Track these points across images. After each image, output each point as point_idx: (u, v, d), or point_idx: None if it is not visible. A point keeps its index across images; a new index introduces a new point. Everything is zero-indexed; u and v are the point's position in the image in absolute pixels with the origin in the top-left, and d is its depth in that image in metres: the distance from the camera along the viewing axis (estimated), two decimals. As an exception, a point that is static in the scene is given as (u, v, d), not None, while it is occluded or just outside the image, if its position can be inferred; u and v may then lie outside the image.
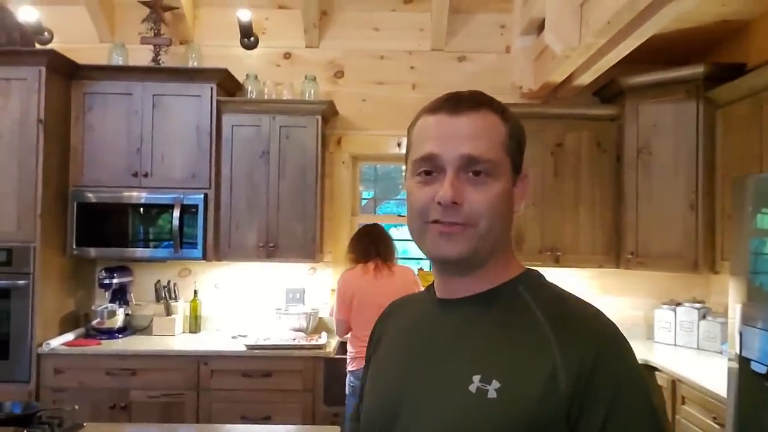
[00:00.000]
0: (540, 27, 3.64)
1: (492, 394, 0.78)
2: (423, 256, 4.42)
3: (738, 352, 2.31)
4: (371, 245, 3.21)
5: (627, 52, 2.96)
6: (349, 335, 3.22)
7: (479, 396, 0.79)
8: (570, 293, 0.89)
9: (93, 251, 3.57)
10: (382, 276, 3.15)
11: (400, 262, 3.44)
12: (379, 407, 0.91)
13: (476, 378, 0.80)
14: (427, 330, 0.91)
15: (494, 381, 0.79)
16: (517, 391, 0.77)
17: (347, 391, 3.13)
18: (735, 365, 2.32)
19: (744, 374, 2.26)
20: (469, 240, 0.84)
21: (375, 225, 3.42)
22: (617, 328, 0.83)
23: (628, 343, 0.83)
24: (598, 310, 0.86)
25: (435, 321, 0.91)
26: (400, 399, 0.87)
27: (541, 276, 0.92)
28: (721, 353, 3.34)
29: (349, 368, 3.13)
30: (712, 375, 2.87)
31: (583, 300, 0.87)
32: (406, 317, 1.00)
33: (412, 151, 0.89)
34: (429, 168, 0.85)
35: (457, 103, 0.86)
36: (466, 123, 0.84)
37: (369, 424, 0.93)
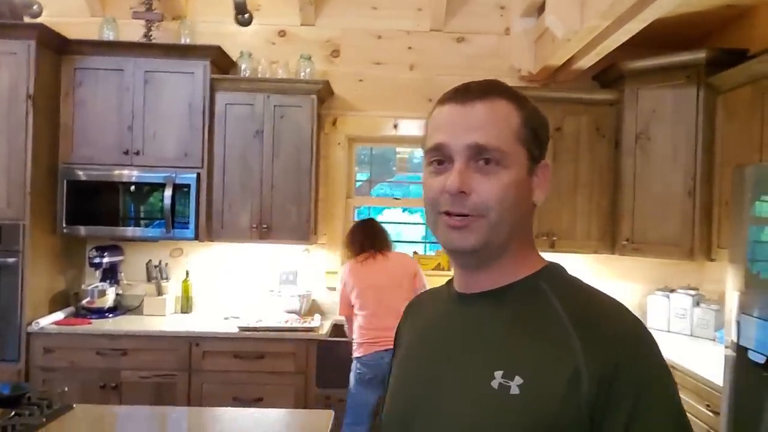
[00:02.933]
0: (540, 9, 3.59)
1: (515, 390, 0.77)
2: (416, 239, 4.38)
3: (735, 340, 2.30)
4: (365, 239, 3.23)
5: (629, 36, 2.92)
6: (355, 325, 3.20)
7: (501, 392, 0.78)
8: (593, 287, 0.86)
9: (83, 230, 3.52)
10: (375, 261, 3.18)
11: (395, 246, 3.42)
12: (400, 403, 0.91)
13: (498, 374, 0.79)
14: (447, 325, 0.91)
15: (517, 377, 0.78)
16: (540, 387, 0.76)
17: (353, 379, 3.10)
18: (732, 353, 2.31)
19: (741, 363, 2.25)
20: (479, 231, 0.83)
21: (369, 220, 3.44)
22: (642, 324, 0.81)
23: (653, 340, 0.80)
24: (623, 305, 0.83)
25: (454, 316, 0.90)
26: (421, 395, 0.87)
27: (563, 270, 0.90)
28: (714, 340, 3.34)
29: (355, 354, 3.11)
30: (705, 362, 2.88)
31: (606, 295, 0.85)
32: (426, 313, 1.00)
33: (426, 142, 0.89)
34: (440, 158, 0.85)
35: (468, 92, 0.86)
36: (476, 111, 0.84)
37: (390, 420, 0.93)
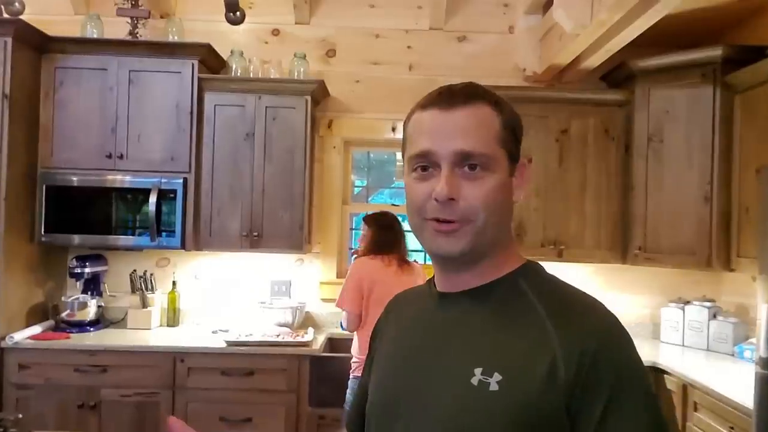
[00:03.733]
0: (545, 5, 3.44)
1: (494, 386, 0.79)
2: (417, 247, 4.17)
3: (764, 356, 2.11)
4: (395, 239, 2.97)
5: (640, 32, 2.77)
6: (355, 335, 2.95)
7: (481, 389, 0.79)
8: (570, 285, 0.89)
9: (63, 238, 3.33)
10: (403, 273, 2.89)
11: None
12: (381, 402, 0.92)
13: (478, 371, 0.80)
14: (428, 324, 0.92)
15: (495, 374, 0.79)
16: (518, 383, 0.78)
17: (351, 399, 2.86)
18: (762, 371, 2.11)
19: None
20: (467, 236, 0.84)
21: (394, 217, 3.09)
22: (616, 318, 0.84)
23: (627, 333, 0.83)
24: (597, 300, 0.86)
25: (435, 314, 0.92)
26: (402, 393, 0.88)
27: (541, 268, 0.92)
28: (733, 355, 3.15)
29: (355, 374, 2.86)
30: (726, 379, 2.70)
31: (582, 291, 0.87)
32: (407, 312, 1.01)
33: (408, 148, 0.89)
34: (425, 164, 0.86)
35: (450, 97, 0.87)
36: (459, 118, 0.85)
37: (372, 418, 0.94)
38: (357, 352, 2.92)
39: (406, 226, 3.04)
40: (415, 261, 3.14)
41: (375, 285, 2.86)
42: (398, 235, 3.01)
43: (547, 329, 0.80)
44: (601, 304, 0.85)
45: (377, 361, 1.00)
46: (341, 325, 3.03)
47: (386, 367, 0.95)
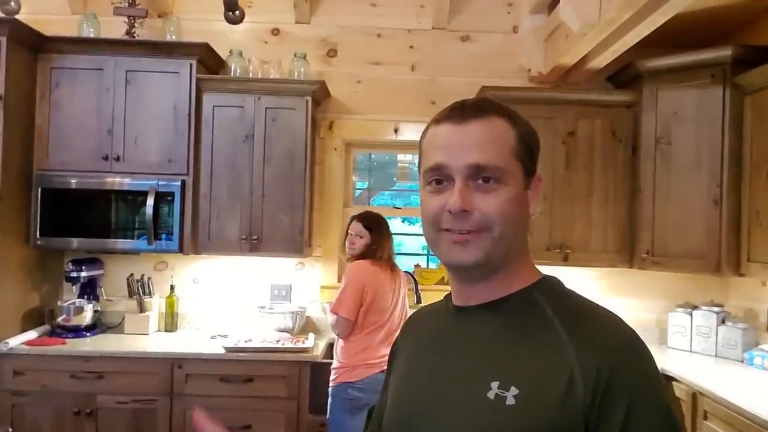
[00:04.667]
0: (551, 4, 3.37)
1: (510, 400, 0.78)
2: (418, 251, 4.11)
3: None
4: (389, 243, 2.93)
5: (648, 32, 2.71)
6: (338, 340, 2.88)
7: (497, 403, 0.79)
8: (589, 300, 0.88)
9: (59, 241, 3.26)
10: (395, 278, 2.89)
11: (397, 258, 3.16)
12: (396, 419, 0.92)
13: (494, 384, 0.80)
14: (444, 338, 0.93)
15: (512, 387, 0.79)
16: (535, 397, 0.77)
17: (339, 407, 2.75)
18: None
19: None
20: (482, 246, 0.85)
21: (379, 215, 3.02)
22: (635, 333, 0.82)
23: (646, 348, 0.82)
24: (616, 315, 0.85)
25: (451, 329, 0.92)
26: (418, 407, 0.88)
27: (559, 283, 0.92)
28: (742, 362, 3.08)
29: (342, 380, 2.76)
30: (736, 387, 2.63)
31: (602, 306, 0.86)
32: (424, 329, 1.01)
33: (423, 162, 0.91)
34: (439, 177, 0.87)
35: (463, 111, 0.88)
36: (473, 131, 0.86)
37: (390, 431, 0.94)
38: (340, 357, 2.81)
39: (398, 225, 2.98)
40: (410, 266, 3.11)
41: (376, 292, 2.79)
42: (391, 239, 2.98)
43: (564, 344, 0.80)
44: (619, 318, 0.84)
45: (394, 381, 1.00)
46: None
47: (402, 385, 0.96)
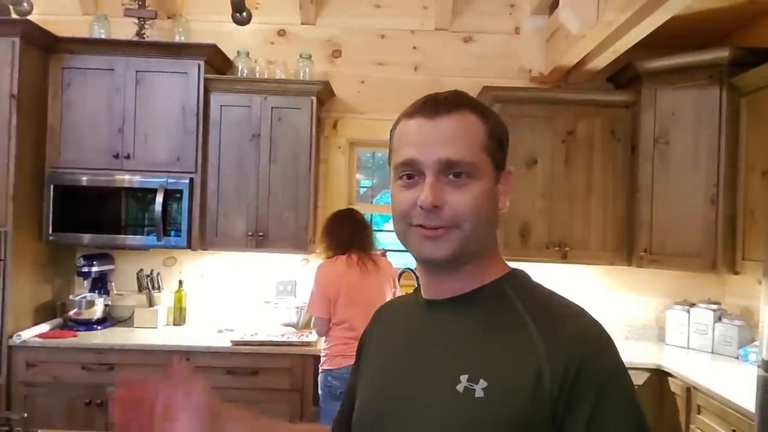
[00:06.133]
0: (552, 6, 3.42)
1: (479, 393, 0.79)
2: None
3: (767, 359, 2.10)
4: (354, 235, 2.95)
5: (647, 33, 2.75)
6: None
7: (467, 395, 0.79)
8: (555, 293, 0.89)
9: (71, 237, 3.36)
10: (368, 270, 2.91)
11: (399, 255, 3.22)
12: (367, 410, 0.93)
13: (464, 378, 0.80)
14: (414, 331, 0.93)
15: (481, 380, 0.79)
16: (504, 390, 0.78)
17: (322, 393, 2.88)
18: (764, 374, 2.11)
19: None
20: (453, 241, 0.85)
21: (353, 211, 3.13)
22: (602, 326, 0.84)
23: (612, 341, 0.83)
24: (582, 308, 0.86)
25: (421, 322, 0.92)
26: (388, 400, 0.88)
27: (527, 276, 0.93)
28: (737, 358, 3.14)
29: (324, 367, 2.88)
30: (730, 383, 2.69)
31: (567, 299, 0.88)
32: (394, 321, 1.01)
33: (394, 156, 0.90)
34: (410, 172, 0.86)
35: (435, 105, 0.87)
36: (444, 126, 0.85)
37: (358, 427, 0.94)
38: (324, 346, 2.93)
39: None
40: (382, 254, 3.15)
41: (341, 288, 2.87)
42: (359, 231, 2.99)
43: (532, 337, 0.81)
44: (585, 311, 0.86)
45: (364, 373, 1.00)
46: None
47: (372, 378, 0.96)
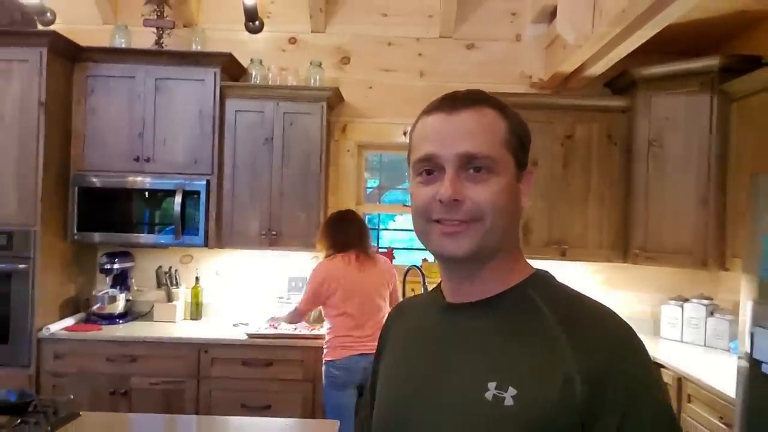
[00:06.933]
0: (552, 15, 3.57)
1: (509, 401, 0.76)
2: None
3: (748, 351, 2.26)
4: (353, 237, 3.13)
5: (641, 43, 2.89)
6: (325, 324, 3.16)
7: (496, 403, 0.77)
8: (582, 294, 0.87)
9: (94, 236, 3.54)
10: (366, 267, 3.08)
11: (405, 252, 3.38)
12: (390, 415, 0.90)
13: (491, 385, 0.78)
14: (437, 336, 0.90)
15: (510, 388, 0.77)
16: (534, 397, 0.76)
17: (326, 383, 3.04)
18: (745, 365, 2.27)
19: (754, 375, 2.21)
20: (473, 237, 0.82)
21: (350, 212, 3.30)
22: (632, 329, 0.81)
23: (642, 344, 0.81)
24: (612, 310, 0.83)
25: (444, 326, 0.89)
26: (413, 406, 0.86)
27: (551, 277, 0.90)
28: (728, 351, 3.29)
29: (327, 358, 3.04)
30: (719, 373, 2.82)
31: (595, 300, 0.85)
32: (413, 322, 0.98)
33: (413, 153, 0.88)
34: (430, 168, 0.85)
35: (454, 101, 0.86)
36: (464, 120, 0.84)
37: (381, 429, 0.92)
38: (325, 338, 3.09)
39: (408, 221, 3.18)
40: (389, 252, 3.30)
41: (339, 283, 3.04)
42: (357, 230, 3.16)
43: (560, 341, 0.78)
44: (614, 313, 0.83)
45: (383, 373, 0.98)
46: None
47: (392, 381, 0.93)
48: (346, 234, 3.14)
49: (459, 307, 0.89)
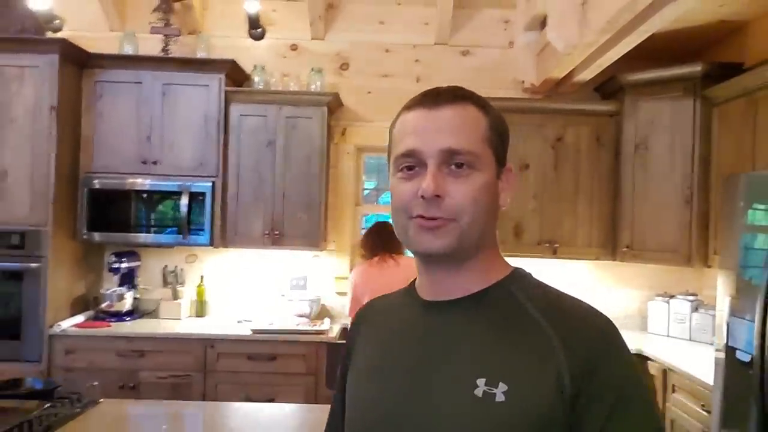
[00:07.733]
0: (543, 23, 3.71)
1: (500, 397, 0.76)
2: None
3: (725, 342, 2.41)
4: (378, 242, 3.30)
5: (627, 50, 3.02)
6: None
7: (486, 400, 0.77)
8: (559, 290, 0.88)
9: (103, 236, 3.66)
10: (386, 266, 3.23)
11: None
12: (366, 422, 0.87)
13: (481, 381, 0.78)
14: (417, 335, 0.88)
15: (501, 384, 0.77)
16: (526, 392, 0.76)
17: None
18: (722, 355, 2.41)
19: (730, 363, 2.35)
20: (452, 233, 0.82)
21: (383, 223, 3.46)
22: (613, 323, 0.83)
23: (622, 337, 0.83)
24: (592, 306, 0.85)
25: (426, 325, 0.88)
26: (399, 407, 0.83)
27: (529, 275, 0.91)
28: (712, 344, 3.41)
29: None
30: (702, 365, 2.95)
31: (575, 298, 0.86)
32: (385, 322, 0.96)
33: (394, 149, 0.88)
34: (411, 163, 0.84)
35: (436, 97, 0.85)
36: (446, 116, 0.83)
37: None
38: None
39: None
40: (410, 257, 3.44)
41: (367, 285, 3.20)
42: (382, 235, 3.34)
43: (548, 336, 0.79)
44: (595, 309, 0.84)
45: (354, 377, 0.94)
46: None
47: (369, 383, 0.90)
48: (376, 242, 3.34)
49: (439, 304, 0.87)
